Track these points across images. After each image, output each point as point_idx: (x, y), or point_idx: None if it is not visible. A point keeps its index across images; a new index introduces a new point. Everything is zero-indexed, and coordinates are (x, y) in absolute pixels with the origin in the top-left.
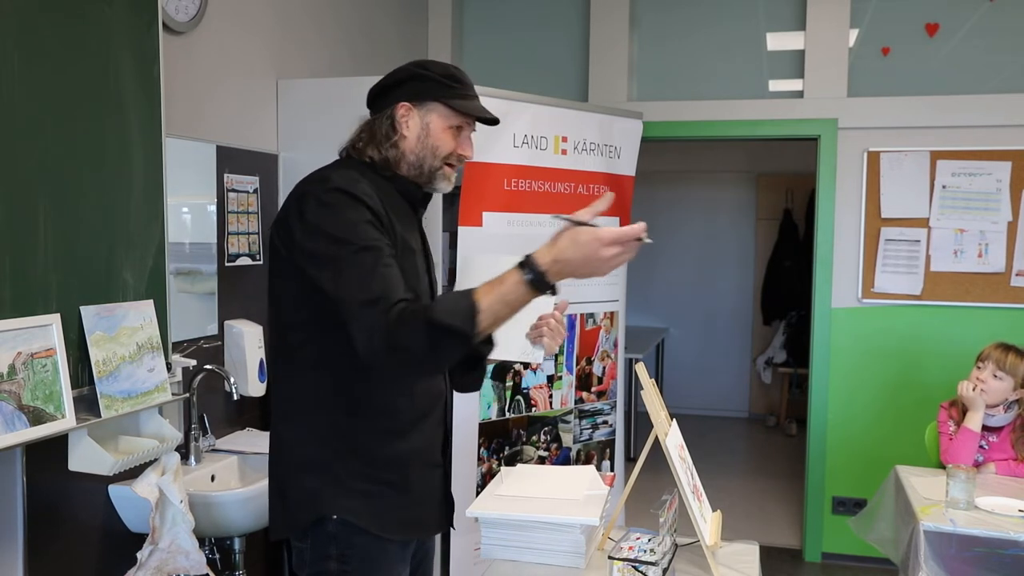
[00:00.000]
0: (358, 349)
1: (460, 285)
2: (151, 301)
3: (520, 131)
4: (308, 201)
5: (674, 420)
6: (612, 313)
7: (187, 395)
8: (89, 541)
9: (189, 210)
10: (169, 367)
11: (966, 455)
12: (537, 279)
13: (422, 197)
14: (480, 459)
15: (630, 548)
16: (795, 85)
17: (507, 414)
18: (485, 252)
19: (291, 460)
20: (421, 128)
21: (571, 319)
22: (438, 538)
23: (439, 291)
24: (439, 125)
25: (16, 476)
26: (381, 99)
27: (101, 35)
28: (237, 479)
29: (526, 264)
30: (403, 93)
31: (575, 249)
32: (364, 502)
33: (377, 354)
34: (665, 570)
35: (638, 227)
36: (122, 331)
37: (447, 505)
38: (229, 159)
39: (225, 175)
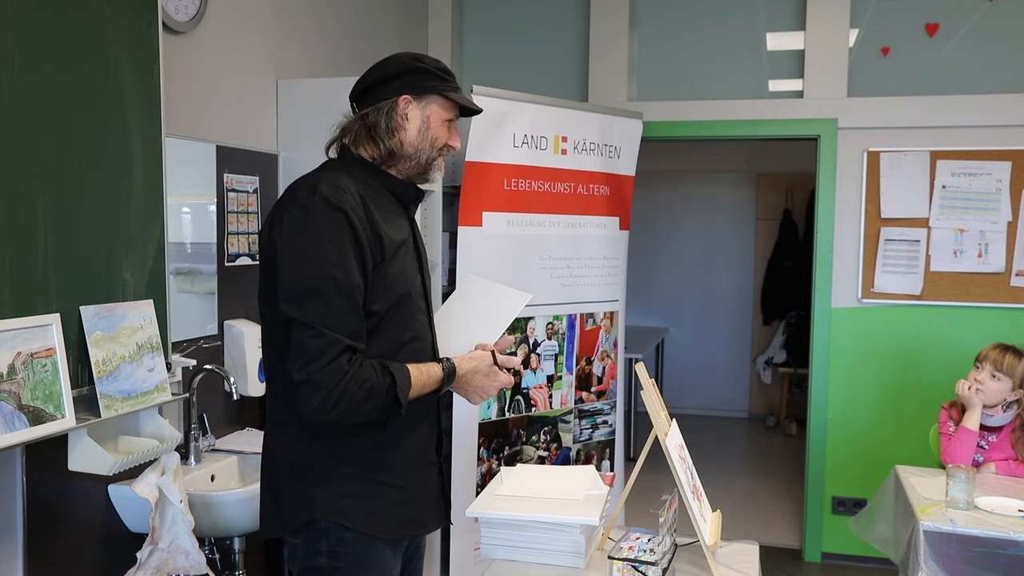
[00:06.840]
0: (290, 371)
1: (457, 306)
2: (151, 301)
3: (520, 131)
4: (292, 211)
5: (674, 420)
6: (612, 313)
7: (187, 395)
8: (89, 541)
9: (189, 210)
10: (169, 367)
11: (964, 454)
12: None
13: (414, 195)
14: (480, 459)
15: (630, 548)
16: (795, 85)
17: (507, 414)
18: (480, 269)
19: (284, 461)
20: (422, 121)
21: (571, 319)
22: (438, 537)
23: (432, 287)
24: (438, 118)
25: (16, 476)
26: (374, 92)
27: (101, 35)
28: (237, 479)
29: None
30: (403, 86)
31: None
32: (359, 505)
33: (307, 382)
34: (665, 570)
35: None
36: (122, 331)
37: (444, 501)
38: (229, 159)
39: (225, 175)
